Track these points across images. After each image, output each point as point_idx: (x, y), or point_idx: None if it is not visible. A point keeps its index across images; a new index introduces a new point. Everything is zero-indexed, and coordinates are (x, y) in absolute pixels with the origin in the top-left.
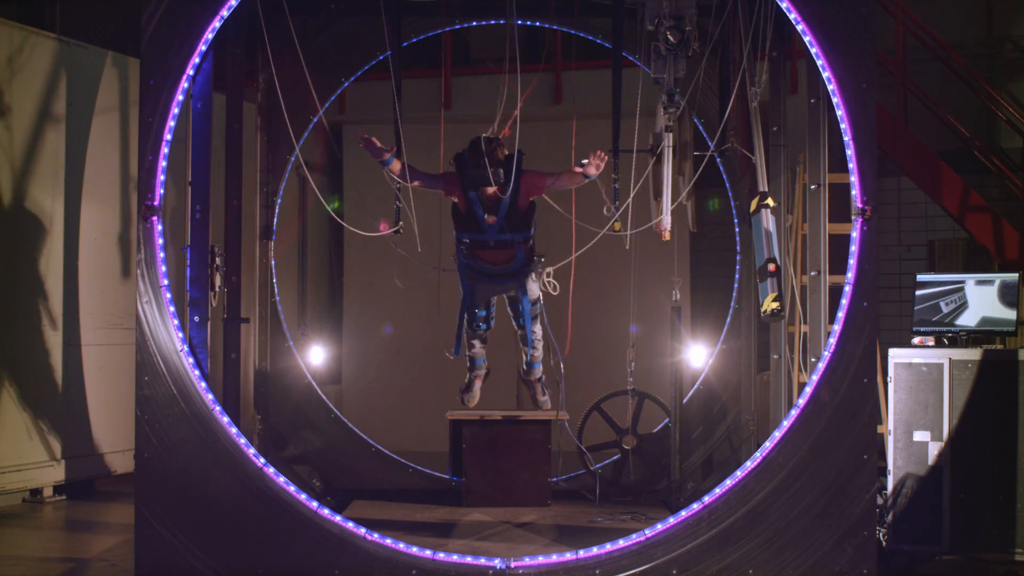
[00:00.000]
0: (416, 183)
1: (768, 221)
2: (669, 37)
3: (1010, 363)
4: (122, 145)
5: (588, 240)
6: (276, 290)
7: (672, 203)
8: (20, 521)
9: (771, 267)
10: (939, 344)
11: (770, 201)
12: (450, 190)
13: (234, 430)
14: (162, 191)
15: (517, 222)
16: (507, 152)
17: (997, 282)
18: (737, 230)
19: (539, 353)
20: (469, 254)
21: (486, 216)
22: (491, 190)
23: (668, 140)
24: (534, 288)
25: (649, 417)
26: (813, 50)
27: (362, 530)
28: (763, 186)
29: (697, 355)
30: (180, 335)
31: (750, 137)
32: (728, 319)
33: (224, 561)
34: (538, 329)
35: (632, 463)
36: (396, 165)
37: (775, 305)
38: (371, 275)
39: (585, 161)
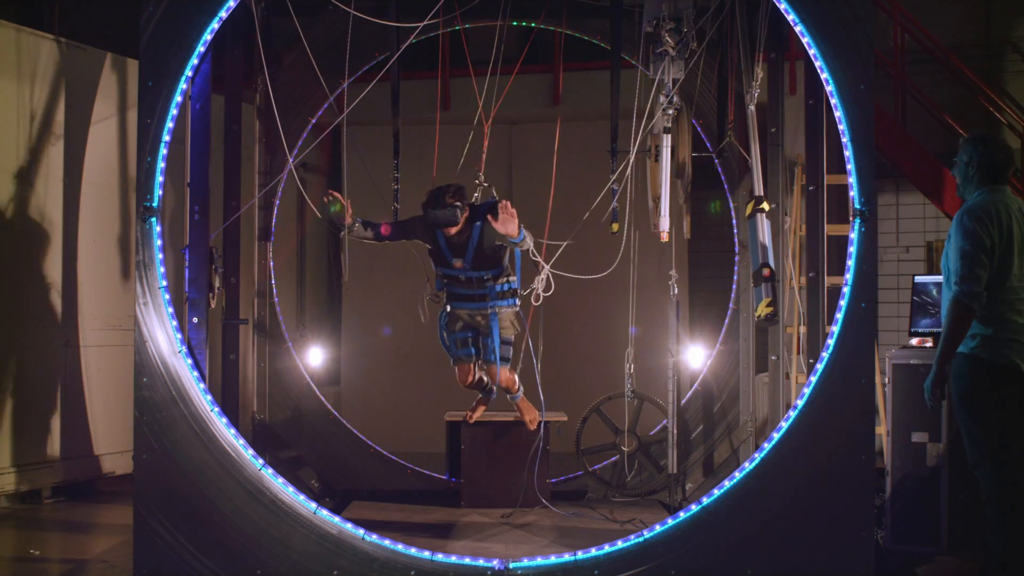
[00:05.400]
0: (393, 237)
1: (763, 226)
2: (667, 38)
3: None
4: (121, 146)
5: (594, 247)
6: (275, 291)
7: (669, 205)
8: (19, 522)
9: (765, 272)
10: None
11: (765, 205)
12: (421, 233)
13: (232, 431)
14: (160, 192)
15: (485, 260)
16: (464, 198)
17: None
18: (736, 231)
19: (517, 391)
20: (448, 285)
21: (454, 261)
22: (453, 230)
23: (666, 141)
24: (506, 327)
25: (649, 418)
26: (811, 51)
27: (360, 531)
28: (759, 190)
29: (695, 356)
30: (179, 336)
31: (747, 140)
32: (727, 320)
33: (222, 562)
34: (506, 374)
35: (630, 464)
36: (358, 227)
37: (769, 310)
38: (370, 276)
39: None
